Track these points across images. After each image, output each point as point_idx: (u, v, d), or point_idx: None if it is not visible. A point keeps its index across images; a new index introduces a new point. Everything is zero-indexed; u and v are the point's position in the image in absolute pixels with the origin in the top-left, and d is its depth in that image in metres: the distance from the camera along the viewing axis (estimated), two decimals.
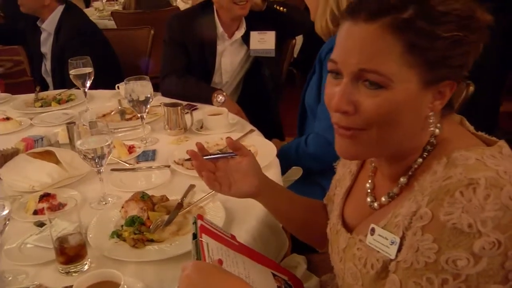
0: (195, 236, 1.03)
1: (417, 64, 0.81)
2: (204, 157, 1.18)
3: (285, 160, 1.82)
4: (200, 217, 1.10)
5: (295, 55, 4.58)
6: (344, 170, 1.17)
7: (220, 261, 1.00)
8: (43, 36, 2.92)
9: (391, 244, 0.86)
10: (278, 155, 1.74)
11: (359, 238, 0.96)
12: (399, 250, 0.85)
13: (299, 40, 4.48)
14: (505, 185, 0.76)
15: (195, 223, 1.07)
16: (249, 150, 1.22)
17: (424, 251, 0.79)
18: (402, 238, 0.85)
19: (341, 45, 0.87)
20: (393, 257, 0.86)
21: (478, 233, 0.74)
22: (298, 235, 1.32)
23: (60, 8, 2.85)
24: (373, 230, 0.91)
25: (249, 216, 1.37)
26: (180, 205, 1.41)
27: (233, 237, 1.16)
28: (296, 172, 1.87)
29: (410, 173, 0.91)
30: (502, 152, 0.84)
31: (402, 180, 0.92)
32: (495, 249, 0.74)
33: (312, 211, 1.27)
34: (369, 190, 1.02)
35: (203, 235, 1.03)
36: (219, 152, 1.17)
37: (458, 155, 0.82)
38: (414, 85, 0.83)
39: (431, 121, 0.87)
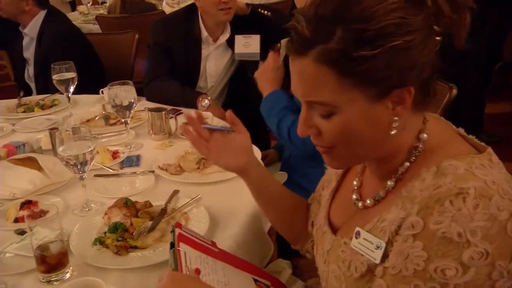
0: (172, 245, 1.03)
1: (357, 84, 0.81)
2: (202, 125, 1.19)
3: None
4: (179, 225, 1.10)
5: (281, 59, 4.58)
6: (331, 171, 1.17)
7: (198, 270, 0.99)
8: (25, 41, 2.89)
9: (376, 249, 0.86)
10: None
11: (343, 240, 0.96)
12: (385, 255, 0.85)
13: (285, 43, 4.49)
14: (494, 195, 0.77)
15: (173, 231, 1.06)
16: (245, 128, 1.22)
17: (414, 259, 0.79)
18: (388, 243, 0.85)
19: (291, 78, 0.89)
20: (378, 261, 0.86)
21: (467, 243, 0.75)
22: (277, 225, 1.31)
23: (42, 13, 2.82)
24: (358, 233, 0.91)
25: (233, 222, 1.37)
26: (163, 211, 1.40)
27: (213, 244, 1.15)
28: (280, 178, 1.87)
29: (397, 175, 0.91)
30: (492, 160, 0.84)
31: (389, 183, 0.92)
32: (483, 259, 0.74)
33: (296, 206, 1.27)
34: (355, 188, 1.02)
35: (181, 244, 1.03)
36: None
37: (447, 165, 0.82)
38: (362, 103, 0.82)
39: (395, 125, 0.85)
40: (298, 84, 0.86)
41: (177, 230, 1.06)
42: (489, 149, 0.87)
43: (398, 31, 0.78)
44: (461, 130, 0.95)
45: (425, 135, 0.89)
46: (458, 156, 0.83)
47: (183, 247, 1.02)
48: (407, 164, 0.90)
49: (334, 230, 1.04)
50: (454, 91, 1.69)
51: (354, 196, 1.01)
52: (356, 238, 0.91)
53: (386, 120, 0.85)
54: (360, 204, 0.98)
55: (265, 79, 2.01)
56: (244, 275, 1.12)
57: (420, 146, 0.89)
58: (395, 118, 0.85)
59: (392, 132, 0.85)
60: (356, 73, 0.80)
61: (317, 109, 0.86)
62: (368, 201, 0.96)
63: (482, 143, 0.91)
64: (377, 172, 0.97)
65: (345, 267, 0.94)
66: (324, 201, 1.13)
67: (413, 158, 0.89)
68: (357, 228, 0.92)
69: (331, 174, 1.16)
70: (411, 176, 0.88)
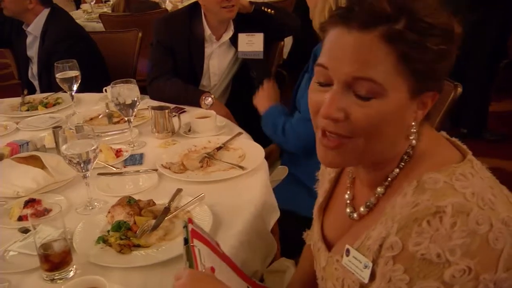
0: (186, 241, 0.99)
1: (408, 74, 0.81)
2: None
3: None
4: (191, 221, 1.06)
5: (284, 57, 4.58)
6: (320, 191, 1.16)
7: (213, 269, 0.97)
8: (28, 39, 2.89)
9: (364, 268, 0.86)
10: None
11: (336, 258, 0.96)
12: (372, 275, 0.85)
13: (288, 42, 4.49)
14: (472, 209, 0.76)
15: (185, 227, 1.03)
16: None
17: (396, 282, 0.79)
18: (374, 263, 0.85)
19: (333, 52, 0.85)
20: (366, 281, 0.86)
21: (447, 263, 0.74)
22: None
23: (45, 12, 2.82)
24: (348, 251, 0.91)
25: (236, 221, 1.36)
26: (167, 210, 1.40)
27: (218, 244, 1.14)
28: (281, 172, 1.87)
29: (386, 183, 0.91)
30: (474, 166, 0.84)
31: (379, 190, 0.92)
32: (466, 275, 0.74)
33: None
34: (348, 201, 1.01)
35: (195, 240, 0.99)
36: None
37: (427, 179, 0.82)
38: (403, 95, 0.83)
39: (413, 130, 0.86)
40: (350, 59, 0.81)
41: (190, 226, 1.03)
42: (470, 155, 0.87)
43: (445, 35, 0.82)
44: (444, 133, 0.96)
45: (413, 141, 0.89)
46: (440, 166, 0.83)
47: (196, 244, 0.99)
48: (397, 170, 0.90)
49: (329, 246, 1.04)
50: (459, 90, 1.68)
51: (348, 210, 1.00)
52: (347, 255, 0.91)
53: (407, 121, 0.86)
54: (355, 215, 0.97)
55: (263, 101, 2.13)
56: (241, 282, 1.11)
57: (409, 151, 0.89)
58: (413, 122, 0.86)
59: (411, 137, 0.87)
60: (412, 62, 0.80)
61: (359, 89, 0.81)
62: (362, 209, 0.95)
63: (464, 146, 0.91)
64: (367, 181, 0.96)
65: (339, 284, 0.94)
66: (315, 218, 1.13)
67: (402, 164, 0.89)
68: (347, 246, 0.91)
69: (320, 195, 1.15)
70: (394, 190, 0.88)
